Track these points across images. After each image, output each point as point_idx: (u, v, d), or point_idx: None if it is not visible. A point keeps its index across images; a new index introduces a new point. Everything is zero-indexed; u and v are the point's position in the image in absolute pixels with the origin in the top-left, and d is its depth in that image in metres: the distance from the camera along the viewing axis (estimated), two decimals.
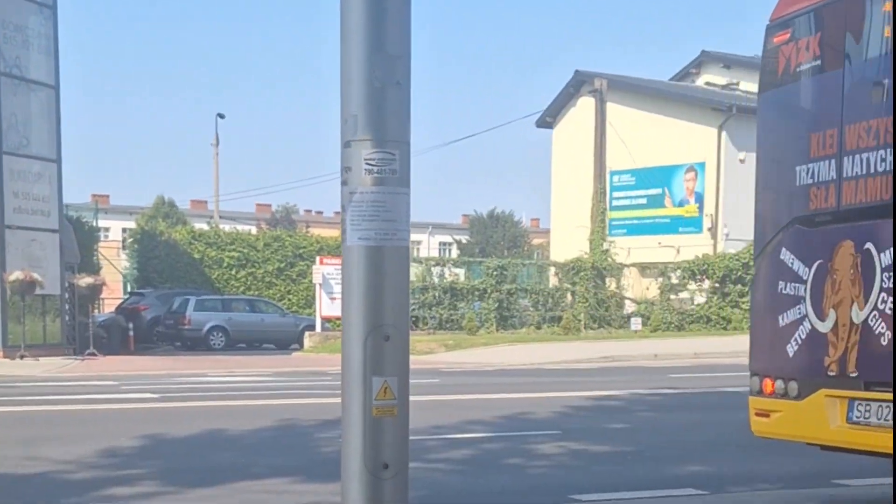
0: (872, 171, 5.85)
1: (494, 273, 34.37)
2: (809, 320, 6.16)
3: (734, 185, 35.31)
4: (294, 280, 35.90)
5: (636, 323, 32.30)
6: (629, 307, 35.31)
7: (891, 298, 5.62)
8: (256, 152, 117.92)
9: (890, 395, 5.61)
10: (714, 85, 41.37)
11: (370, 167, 3.46)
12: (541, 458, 9.29)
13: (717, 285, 33.55)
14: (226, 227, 42.64)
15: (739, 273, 33.25)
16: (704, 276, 33.69)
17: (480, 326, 33.32)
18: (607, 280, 35.76)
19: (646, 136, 36.76)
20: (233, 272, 35.53)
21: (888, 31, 5.94)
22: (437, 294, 34.46)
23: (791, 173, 6.42)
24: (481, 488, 7.81)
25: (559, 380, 18.84)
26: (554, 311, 34.68)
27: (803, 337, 6.20)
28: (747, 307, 33.11)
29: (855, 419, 5.84)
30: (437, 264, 36.82)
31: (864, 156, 5.90)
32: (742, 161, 35.53)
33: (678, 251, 35.17)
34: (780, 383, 6.34)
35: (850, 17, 6.14)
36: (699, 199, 36.04)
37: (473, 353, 27.59)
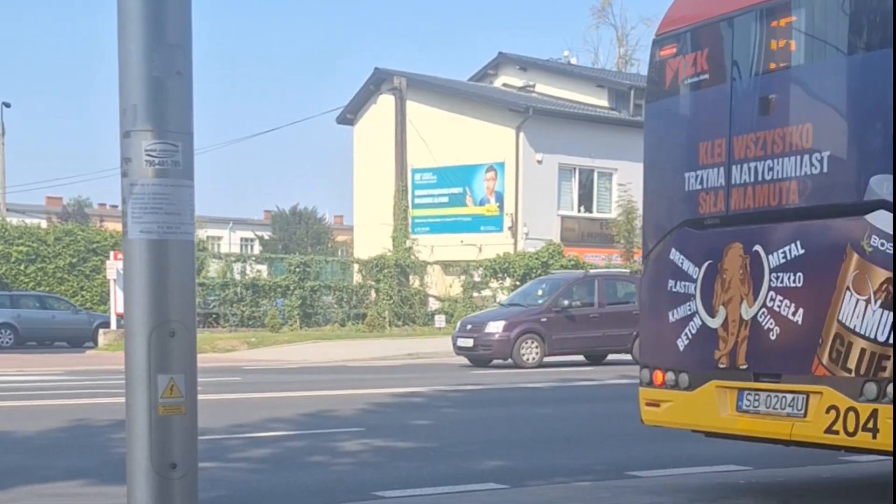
0: (760, 179, 6.32)
1: (297, 270, 34.23)
2: (700, 317, 6.59)
3: (532, 185, 36.55)
4: (88, 276, 34.57)
5: (440, 320, 32.89)
6: (433, 304, 35.90)
7: (779, 297, 6.10)
8: (46, 143, 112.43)
9: (778, 386, 6.09)
10: (511, 86, 42.59)
11: (151, 158, 3.39)
12: (344, 455, 9.26)
13: (517, 283, 34.53)
14: (13, 220, 40.60)
15: (539, 272, 34.36)
16: (506, 275, 34.63)
17: (284, 324, 33.13)
18: (411, 277, 36.22)
19: (446, 135, 37.44)
20: (21, 267, 33.87)
21: (773, 46, 6.44)
22: (238, 291, 34.03)
23: (680, 179, 6.83)
24: (283, 487, 7.75)
25: (363, 377, 18.88)
26: (358, 309, 34.86)
27: (693, 332, 6.62)
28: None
29: (745, 408, 6.29)
30: (239, 260, 36.33)
31: (752, 165, 6.36)
32: (539, 162, 36.82)
33: (480, 249, 36.03)
34: (670, 375, 6.75)
35: (738, 34, 6.59)
36: (499, 198, 37.03)
37: (276, 351, 27.42)
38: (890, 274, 5.53)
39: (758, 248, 6.27)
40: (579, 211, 38.36)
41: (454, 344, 22.89)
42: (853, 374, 5.66)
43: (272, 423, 11.51)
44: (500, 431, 11.01)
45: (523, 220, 36.45)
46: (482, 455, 9.21)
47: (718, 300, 6.48)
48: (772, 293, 6.14)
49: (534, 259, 34.51)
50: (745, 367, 6.29)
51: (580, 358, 22.85)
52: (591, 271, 25.54)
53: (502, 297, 33.96)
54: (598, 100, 40.96)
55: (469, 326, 22.71)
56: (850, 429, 5.64)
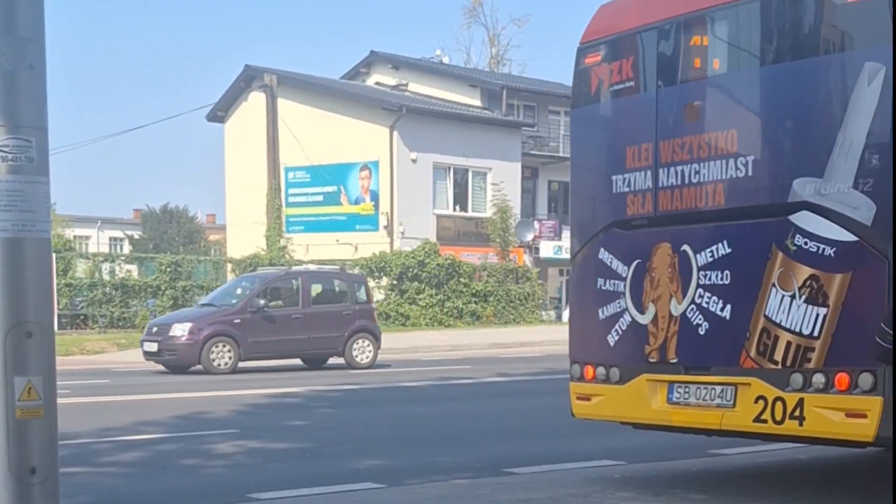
0: (687, 181, 6.65)
1: (168, 270, 33.58)
2: (629, 313, 6.89)
3: (408, 184, 36.75)
4: None
5: None
6: None
7: (707, 293, 6.43)
8: None
9: (708, 378, 6.43)
10: (384, 85, 42.72)
11: (4, 154, 3.34)
12: (218, 457, 9.20)
13: (395, 282, 34.73)
14: None
15: (416, 270, 34.62)
16: (382, 274, 34.75)
17: None
18: None
19: (320, 134, 37.31)
20: None
21: (697, 56, 6.78)
22: (107, 291, 33.17)
23: (607, 181, 7.11)
24: (154, 490, 7.67)
25: (237, 378, 18.62)
26: None
27: (624, 328, 6.92)
28: (424, 304, 34.72)
29: (675, 400, 6.61)
30: (107, 260, 35.41)
31: (679, 168, 6.69)
32: (414, 161, 37.05)
33: (356, 248, 36.03)
34: (601, 370, 7.02)
35: (661, 44, 6.91)
36: (374, 197, 37.10)
37: None
38: (813, 271, 5.91)
39: (686, 247, 6.59)
40: (455, 210, 38.75)
41: (141, 348, 20.70)
42: (780, 366, 6.02)
43: (143, 426, 11.23)
44: (377, 431, 11.00)
45: (399, 218, 36.63)
46: (359, 455, 9.21)
47: (648, 297, 6.78)
48: (700, 290, 6.47)
49: (410, 258, 34.73)
50: (675, 360, 6.61)
51: (297, 362, 21.27)
52: (295, 268, 23.71)
53: (379, 296, 34.14)
54: (471, 99, 41.47)
55: (154, 329, 20.62)
56: (778, 417, 6.01)
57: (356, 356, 21.04)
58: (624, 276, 6.94)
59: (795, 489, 7.20)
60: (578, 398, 7.22)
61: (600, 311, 7.06)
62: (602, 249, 7.11)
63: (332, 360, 21.29)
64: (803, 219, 5.99)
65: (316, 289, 21.61)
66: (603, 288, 7.07)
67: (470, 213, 39.01)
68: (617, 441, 9.20)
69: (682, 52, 6.83)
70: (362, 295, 21.96)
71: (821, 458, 8.27)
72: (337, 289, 21.99)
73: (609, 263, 7.05)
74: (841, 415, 5.74)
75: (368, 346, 21.23)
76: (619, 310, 6.96)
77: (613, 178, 7.08)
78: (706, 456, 8.46)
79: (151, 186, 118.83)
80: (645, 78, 7.01)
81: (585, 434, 9.76)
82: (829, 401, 5.78)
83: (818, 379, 5.84)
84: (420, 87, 42.28)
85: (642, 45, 7.07)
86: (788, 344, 6.00)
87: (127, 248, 59.65)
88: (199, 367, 19.70)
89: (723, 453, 8.53)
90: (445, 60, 49.08)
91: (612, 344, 6.98)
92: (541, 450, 9.19)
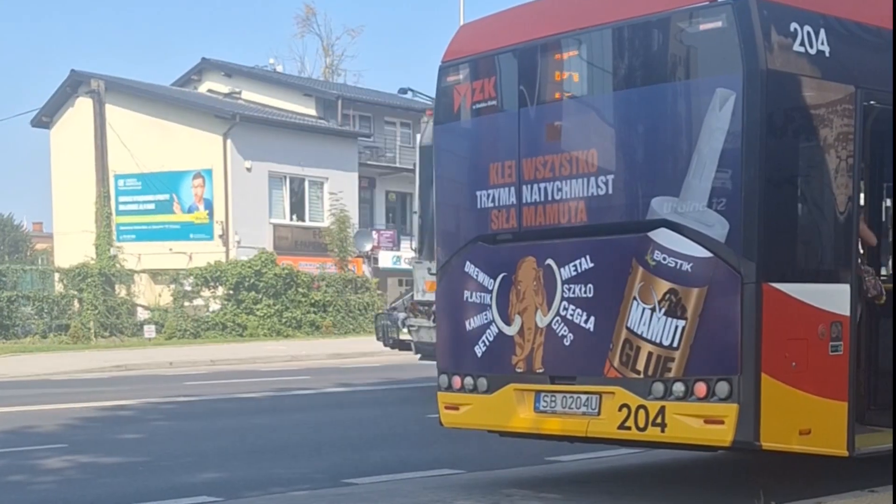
0: (550, 198, 6.91)
1: None
2: (496, 325, 7.10)
3: (243, 192, 36.31)
4: None
5: (150, 330, 31.92)
6: (142, 314, 34.78)
7: (572, 306, 6.71)
8: None
9: (573, 387, 6.70)
10: (217, 93, 42.07)
11: None
12: (46, 473, 8.98)
13: (231, 292, 34.20)
14: None
15: (252, 280, 34.19)
16: (218, 283, 34.20)
17: None
18: (117, 286, 34.96)
19: (151, 141, 36.47)
20: None
21: (557, 77, 7.05)
22: None
23: (472, 197, 7.32)
24: None
25: (68, 391, 17.90)
26: (61, 319, 33.20)
27: (491, 339, 7.13)
28: (262, 314, 34.35)
29: (542, 408, 6.86)
30: None
31: (542, 186, 6.95)
32: (249, 169, 36.65)
33: (191, 258, 35.32)
34: (469, 380, 7.21)
35: (522, 64, 7.16)
36: (209, 205, 36.49)
37: None
38: (672, 285, 6.25)
39: (550, 261, 6.85)
40: (292, 219, 38.44)
41: None
42: (642, 376, 6.34)
43: None
44: (215, 443, 10.85)
45: (234, 228, 36.10)
46: (196, 468, 9.10)
47: (514, 310, 7.01)
48: (565, 303, 6.74)
49: (247, 267, 34.27)
50: (541, 370, 6.85)
51: None
52: None
53: (215, 306, 33.60)
54: (305, 108, 41.26)
55: None
56: (641, 424, 6.32)
57: None
58: (490, 288, 7.15)
59: (624, 489, 7.58)
60: (447, 407, 7.39)
61: (468, 323, 7.25)
62: (468, 263, 7.30)
63: None
64: (662, 236, 6.32)
65: None
66: (470, 300, 7.26)
67: (307, 223, 38.78)
68: (458, 450, 9.38)
69: (540, 74, 7.09)
70: None
71: (652, 463, 8.67)
72: None
73: (475, 276, 7.25)
74: (700, 421, 6.10)
75: None
76: (485, 321, 7.16)
77: (478, 193, 7.28)
78: (543, 463, 8.71)
79: None
80: (506, 98, 7.24)
81: (426, 443, 9.92)
82: (688, 408, 6.13)
83: (678, 387, 6.18)
84: (254, 96, 41.82)
85: (503, 66, 7.30)
86: (650, 354, 6.32)
87: None
88: None
89: (559, 460, 8.78)
90: (279, 69, 48.64)
91: (479, 354, 7.18)
92: (381, 460, 9.27)
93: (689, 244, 6.20)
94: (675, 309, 6.21)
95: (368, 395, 16.34)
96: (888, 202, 7.93)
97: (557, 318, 6.77)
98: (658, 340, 6.27)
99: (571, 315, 6.70)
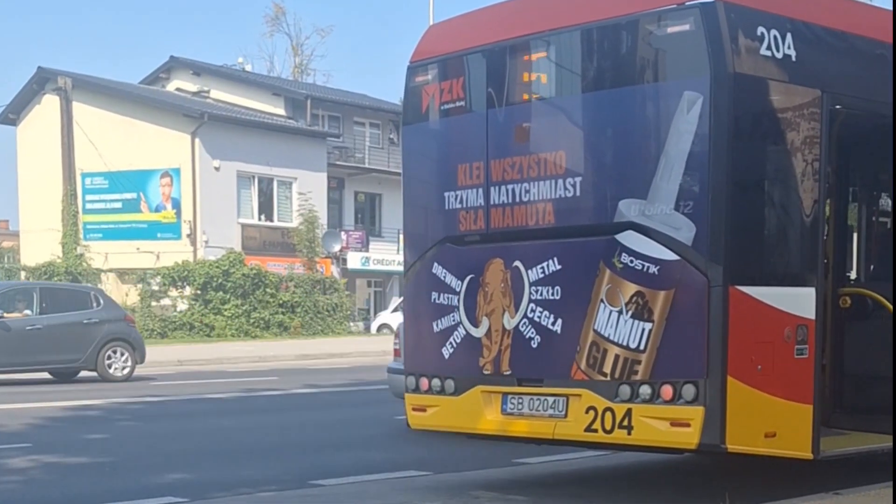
0: (518, 200, 6.89)
1: None
2: (464, 326, 7.06)
3: (211, 192, 36.11)
4: None
5: None
6: None
7: (539, 308, 6.69)
8: None
9: (540, 389, 6.68)
10: (185, 91, 41.83)
11: None
12: (9, 473, 8.80)
13: (198, 292, 34.00)
14: None
15: (220, 280, 34.00)
16: (185, 283, 33.99)
17: None
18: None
19: (118, 139, 36.22)
20: None
21: (525, 79, 7.04)
22: None
23: (440, 198, 7.28)
24: None
25: (32, 390, 17.67)
26: None
27: (458, 341, 7.09)
28: (230, 314, 34.16)
29: (509, 410, 6.83)
30: None
31: (510, 187, 6.93)
32: (217, 169, 36.46)
33: (158, 257, 35.10)
34: (436, 381, 7.17)
35: (490, 65, 7.14)
36: (176, 205, 36.27)
37: None
38: (639, 288, 6.25)
39: (518, 263, 6.82)
40: (260, 219, 38.29)
41: None
42: (609, 378, 6.33)
43: None
44: (182, 444, 10.75)
45: (202, 227, 35.89)
46: (162, 469, 9.00)
47: (482, 311, 6.98)
48: (532, 305, 6.72)
49: (214, 267, 34.10)
50: (508, 372, 6.83)
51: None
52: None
53: (183, 306, 33.37)
54: (274, 108, 41.10)
55: None
56: (608, 427, 6.31)
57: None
58: (458, 290, 7.11)
59: (591, 491, 7.60)
60: (414, 409, 7.35)
61: (435, 324, 7.21)
62: (436, 264, 7.26)
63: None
64: (629, 238, 6.31)
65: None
66: (437, 301, 7.22)
67: (276, 223, 38.63)
68: (425, 452, 9.35)
69: (509, 75, 7.06)
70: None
71: (619, 465, 8.69)
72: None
73: (443, 278, 7.21)
74: (666, 424, 6.10)
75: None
76: (453, 323, 7.12)
77: (446, 194, 7.25)
78: (511, 465, 8.70)
79: None
80: (475, 98, 7.20)
81: (394, 445, 9.89)
82: (655, 411, 6.12)
83: (645, 390, 6.17)
84: (222, 95, 41.61)
85: (471, 67, 7.26)
86: (617, 357, 6.31)
87: None
88: None
89: (526, 462, 8.76)
90: (248, 68, 48.39)
91: (447, 356, 7.14)
92: (348, 461, 9.21)
93: (657, 247, 6.20)
94: (641, 311, 6.21)
95: (336, 397, 16.29)
96: (855, 206, 7.98)
97: (525, 320, 6.74)
98: (625, 343, 6.27)
99: (539, 317, 6.68)
